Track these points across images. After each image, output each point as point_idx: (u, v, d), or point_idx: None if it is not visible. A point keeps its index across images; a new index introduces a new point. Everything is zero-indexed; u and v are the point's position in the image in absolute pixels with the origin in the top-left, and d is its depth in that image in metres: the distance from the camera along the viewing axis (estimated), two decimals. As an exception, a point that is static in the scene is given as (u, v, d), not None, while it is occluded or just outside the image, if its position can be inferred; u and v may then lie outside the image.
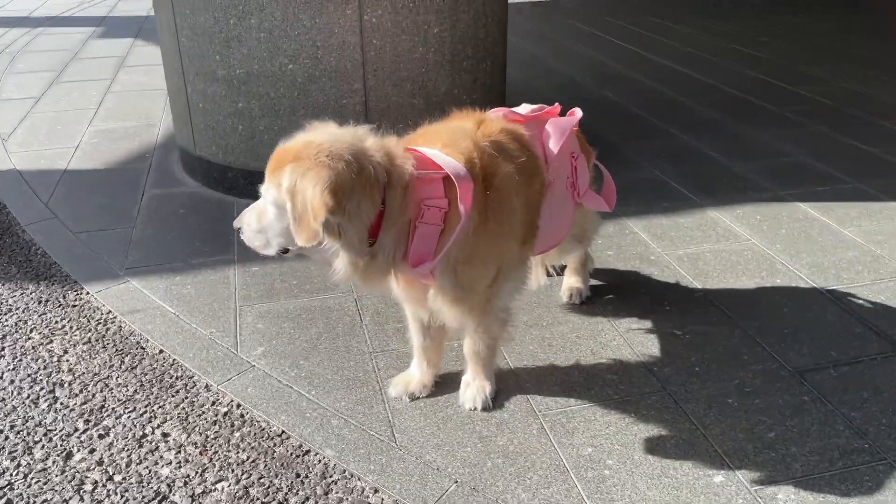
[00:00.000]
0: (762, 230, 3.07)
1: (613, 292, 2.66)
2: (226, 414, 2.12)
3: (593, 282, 2.66)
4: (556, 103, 2.25)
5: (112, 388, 2.24)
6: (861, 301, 2.57)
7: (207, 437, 2.04)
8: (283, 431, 2.05)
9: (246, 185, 3.37)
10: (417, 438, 2.00)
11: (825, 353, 2.31)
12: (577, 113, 2.23)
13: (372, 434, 2.02)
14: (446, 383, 2.20)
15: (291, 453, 1.97)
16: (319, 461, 1.94)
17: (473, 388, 2.12)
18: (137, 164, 3.88)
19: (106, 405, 2.17)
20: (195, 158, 3.53)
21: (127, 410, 2.14)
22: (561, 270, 2.67)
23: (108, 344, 2.44)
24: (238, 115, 3.24)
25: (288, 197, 1.66)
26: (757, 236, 3.02)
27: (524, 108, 2.16)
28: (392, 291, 1.98)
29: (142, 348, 2.42)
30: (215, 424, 2.08)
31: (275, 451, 1.98)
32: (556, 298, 2.60)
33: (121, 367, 2.33)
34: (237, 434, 2.05)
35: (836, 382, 2.18)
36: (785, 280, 2.71)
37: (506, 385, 2.18)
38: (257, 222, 1.83)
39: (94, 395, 2.20)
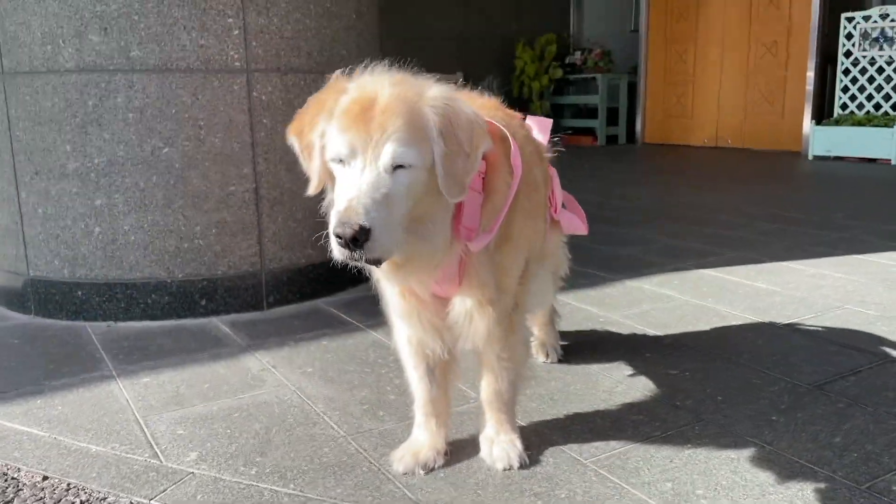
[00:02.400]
0: (686, 290, 3.01)
1: (585, 349, 2.38)
2: (175, 531, 1.48)
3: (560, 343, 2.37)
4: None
5: (-19, 530, 1.49)
6: (818, 329, 2.53)
7: (158, 561, 1.38)
8: (270, 535, 1.45)
9: (102, 303, 2.72)
10: (459, 509, 1.51)
11: (825, 370, 2.18)
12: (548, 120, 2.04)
13: (398, 514, 1.49)
14: (454, 451, 1.74)
15: (296, 556, 1.38)
16: (341, 558, 1.37)
17: (502, 444, 1.68)
18: (-67, 309, 3.03)
19: (-24, 552, 1.42)
20: (26, 283, 2.82)
21: (14, 553, 1.42)
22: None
23: (-46, 483, 1.67)
24: (95, 215, 2.67)
25: (442, 139, 1.30)
26: (686, 295, 2.94)
27: None
28: (400, 305, 1.58)
29: (13, 479, 1.68)
30: (165, 545, 1.43)
31: (269, 560, 1.38)
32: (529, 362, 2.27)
33: (-14, 505, 1.58)
34: (204, 550, 1.41)
35: (856, 389, 2.04)
36: (739, 322, 2.62)
37: (529, 440, 1.77)
38: (385, 206, 1.28)
39: (-50, 545, 1.45)
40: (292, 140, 1.45)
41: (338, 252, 1.28)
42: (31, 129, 2.67)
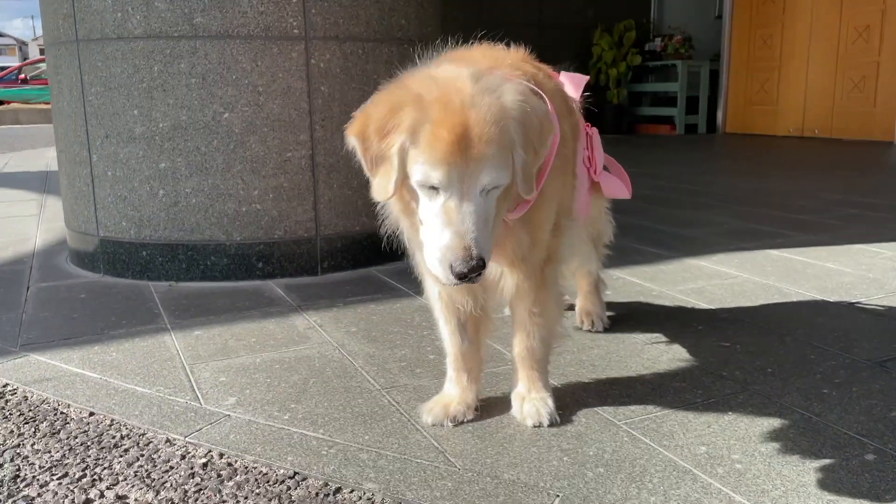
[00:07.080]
0: (748, 269, 2.90)
1: (633, 321, 2.32)
2: (205, 465, 1.52)
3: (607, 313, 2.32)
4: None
5: (27, 457, 1.56)
6: (885, 308, 2.40)
7: (186, 491, 1.42)
8: (295, 473, 1.47)
9: (164, 263, 2.82)
10: (483, 460, 1.49)
11: (889, 347, 2.06)
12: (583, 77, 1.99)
13: (421, 462, 1.49)
14: (485, 408, 1.73)
15: (317, 493, 1.40)
16: (360, 498, 1.38)
17: (533, 402, 1.66)
18: (14, 267, 3.21)
19: (22, 474, 1.49)
20: (97, 243, 2.95)
21: (55, 477, 1.48)
22: (570, 307, 2.32)
23: (9, 414, 1.76)
24: (159, 178, 2.77)
25: (522, 149, 1.34)
26: (747, 273, 2.84)
27: None
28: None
29: (62, 413, 1.76)
30: (193, 477, 1.47)
31: (291, 496, 1.40)
32: (573, 332, 2.23)
33: (35, 434, 1.66)
34: (230, 483, 1.45)
35: (920, 367, 1.92)
36: (801, 299, 2.50)
37: (563, 401, 1.74)
38: (486, 229, 1.31)
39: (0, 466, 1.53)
40: (353, 141, 1.38)
41: (449, 279, 1.29)
42: (102, 94, 2.79)
